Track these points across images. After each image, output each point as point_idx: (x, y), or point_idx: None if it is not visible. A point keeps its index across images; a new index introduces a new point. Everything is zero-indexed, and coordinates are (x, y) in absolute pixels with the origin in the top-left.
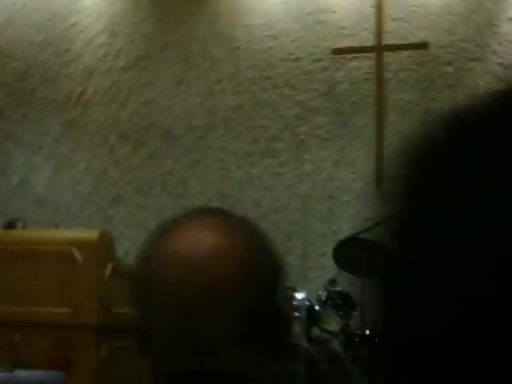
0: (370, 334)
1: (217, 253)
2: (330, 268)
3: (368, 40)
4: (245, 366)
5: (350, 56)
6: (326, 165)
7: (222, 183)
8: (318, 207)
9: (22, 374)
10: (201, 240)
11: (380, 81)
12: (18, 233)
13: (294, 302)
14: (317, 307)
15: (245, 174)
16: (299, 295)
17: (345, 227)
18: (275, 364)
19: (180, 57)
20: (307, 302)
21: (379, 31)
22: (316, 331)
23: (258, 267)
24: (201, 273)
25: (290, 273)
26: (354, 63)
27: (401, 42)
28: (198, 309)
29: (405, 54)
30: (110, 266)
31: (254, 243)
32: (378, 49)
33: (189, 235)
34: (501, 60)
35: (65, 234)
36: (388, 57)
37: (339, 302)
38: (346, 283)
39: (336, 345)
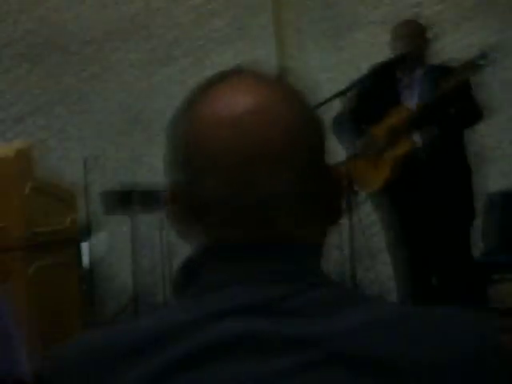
0: None
1: (260, 112)
2: None
3: None
4: (303, 233)
5: None
6: (226, 69)
7: (122, 96)
8: None
9: None
10: (244, 99)
11: None
12: None
13: None
14: None
15: (145, 84)
16: None
17: None
18: (332, 227)
19: None
20: None
21: None
22: None
23: (305, 126)
24: (251, 133)
25: None
26: None
27: None
28: (253, 171)
29: None
30: (29, 184)
31: (296, 102)
32: None
33: (224, 97)
34: None
35: None
36: None
37: None
38: None
39: None
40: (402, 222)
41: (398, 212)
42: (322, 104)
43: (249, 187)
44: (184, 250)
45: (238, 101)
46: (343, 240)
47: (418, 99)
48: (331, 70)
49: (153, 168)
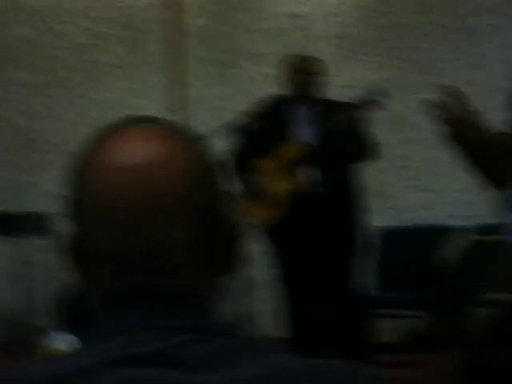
0: None
1: (160, 160)
2: None
3: None
4: (199, 283)
5: None
6: (119, 92)
7: (13, 115)
8: None
9: None
10: (143, 148)
11: (174, 5)
12: None
13: None
14: None
15: (37, 105)
16: None
17: None
18: (225, 277)
19: None
20: None
21: None
22: None
23: (205, 175)
24: (149, 182)
25: None
26: None
27: None
28: (148, 220)
29: None
30: None
31: (197, 151)
32: None
33: (125, 145)
34: None
35: None
36: None
37: None
38: None
39: None
40: (287, 256)
41: (284, 245)
42: (214, 133)
43: (144, 236)
44: (65, 274)
45: (137, 149)
46: None
47: (310, 134)
48: (226, 100)
49: (40, 191)
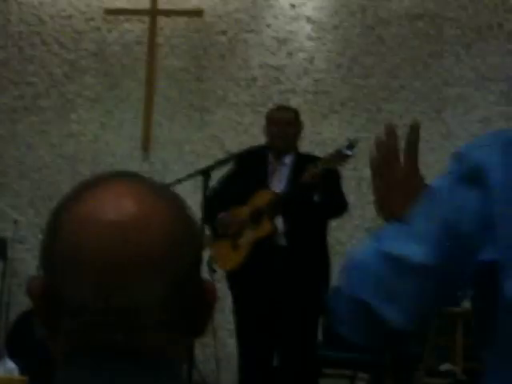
0: None
1: (140, 218)
2: None
3: (142, 3)
4: (166, 343)
5: (123, 18)
6: (92, 126)
7: None
8: (82, 169)
9: None
10: (124, 204)
11: (152, 45)
12: None
13: None
14: None
15: (8, 130)
16: None
17: None
18: (190, 340)
19: None
20: None
21: None
22: None
23: (184, 236)
24: (127, 240)
25: None
26: (126, 25)
27: (176, 7)
28: (123, 278)
29: (179, 20)
30: None
31: (177, 210)
32: (152, 12)
33: (105, 199)
34: (274, 33)
35: None
36: (162, 21)
37: None
38: None
39: None
40: (253, 304)
41: (250, 293)
42: (184, 179)
43: (117, 292)
44: (23, 300)
45: (117, 205)
46: None
47: (281, 185)
48: (195, 143)
49: (3, 215)
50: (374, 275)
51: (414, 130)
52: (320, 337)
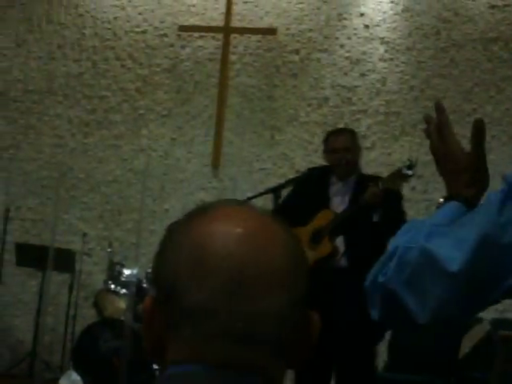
0: None
1: (266, 233)
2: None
3: (216, 20)
4: (273, 363)
5: (196, 34)
6: (163, 142)
7: (55, 150)
8: (151, 184)
9: None
10: (247, 221)
11: (225, 62)
12: None
13: (123, 278)
14: (145, 284)
15: (79, 143)
16: (128, 271)
17: (177, 206)
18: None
19: (22, 18)
20: (136, 279)
21: (228, 12)
22: None
23: (300, 257)
24: (254, 249)
25: (119, 248)
26: (200, 42)
27: (249, 25)
28: (249, 289)
29: (252, 38)
30: None
31: (291, 233)
32: (226, 30)
33: (229, 215)
34: (348, 54)
35: None
36: (235, 39)
37: None
38: None
39: None
40: None
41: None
42: (254, 197)
43: (244, 301)
44: (89, 312)
45: (243, 220)
46: None
47: (343, 206)
48: (265, 161)
49: (72, 227)
50: (411, 268)
51: (478, 123)
52: (385, 359)
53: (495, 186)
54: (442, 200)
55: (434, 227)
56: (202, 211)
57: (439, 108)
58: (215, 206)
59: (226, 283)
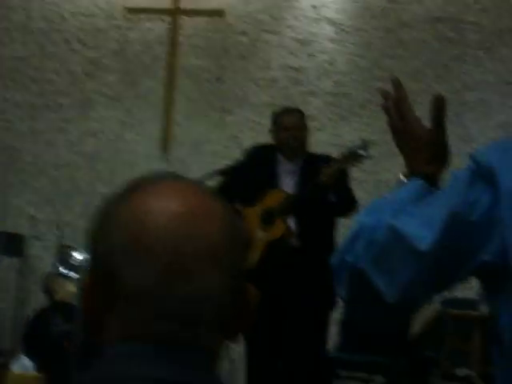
0: None
1: (204, 210)
2: None
3: (164, 2)
4: (213, 338)
5: (144, 17)
6: (112, 125)
7: (2, 134)
8: (100, 167)
9: None
10: (182, 197)
11: (173, 44)
12: None
13: (73, 262)
14: None
15: (27, 127)
16: (79, 255)
17: None
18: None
19: None
20: (86, 263)
21: None
22: None
23: (238, 232)
24: (189, 226)
25: (70, 232)
26: (148, 24)
27: (197, 7)
28: (187, 267)
29: (200, 19)
30: None
31: (229, 209)
32: (174, 12)
33: (166, 193)
34: (296, 35)
35: None
36: (183, 21)
37: None
38: None
39: None
40: (261, 306)
41: (261, 295)
42: (201, 180)
43: (181, 279)
44: (40, 297)
45: (181, 197)
46: None
47: (297, 185)
48: (214, 143)
49: (21, 211)
50: (379, 247)
51: (438, 100)
52: (337, 339)
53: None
54: (401, 177)
55: (399, 205)
56: (139, 186)
57: (396, 84)
58: (153, 180)
59: (161, 261)
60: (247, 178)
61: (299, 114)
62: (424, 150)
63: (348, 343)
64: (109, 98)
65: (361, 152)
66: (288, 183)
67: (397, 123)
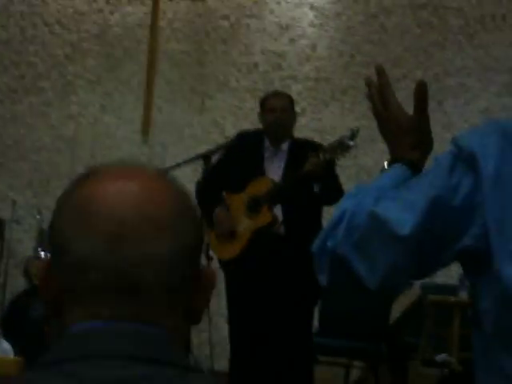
0: None
1: (153, 186)
2: None
3: None
4: (166, 316)
5: (125, 0)
6: (92, 108)
7: None
8: (81, 151)
9: None
10: (131, 178)
11: (154, 28)
12: None
13: None
14: None
15: (7, 110)
16: None
17: None
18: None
19: None
20: None
21: None
22: None
23: (189, 210)
24: (136, 200)
25: (49, 216)
26: (129, 8)
27: None
28: (133, 234)
29: (182, 3)
30: None
31: (182, 190)
32: None
33: (118, 174)
34: (277, 19)
35: None
36: (164, 5)
37: None
38: None
39: None
40: (248, 293)
41: (246, 283)
42: (184, 163)
43: (127, 246)
44: (19, 281)
45: (125, 177)
46: None
47: (283, 172)
48: (195, 128)
49: (1, 195)
50: (360, 232)
51: (421, 87)
52: (316, 324)
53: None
54: (386, 164)
55: (381, 191)
56: (88, 174)
57: (380, 71)
58: (103, 167)
59: (106, 235)
60: (234, 165)
61: (286, 97)
62: (407, 136)
63: (326, 328)
64: (89, 81)
65: (350, 143)
66: (274, 169)
67: (380, 110)
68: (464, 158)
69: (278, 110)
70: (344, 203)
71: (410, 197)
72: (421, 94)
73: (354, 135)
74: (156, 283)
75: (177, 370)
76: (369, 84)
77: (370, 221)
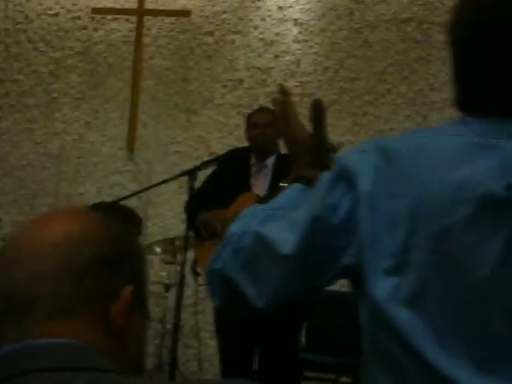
0: None
1: (40, 223)
2: None
3: (130, 2)
4: (84, 330)
5: (110, 17)
6: (77, 125)
7: None
8: (66, 168)
9: None
10: (51, 217)
11: (139, 45)
12: None
13: None
14: None
15: None
16: None
17: (92, 190)
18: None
19: None
20: None
21: None
22: None
23: (82, 236)
24: (37, 233)
25: None
26: (113, 24)
27: (163, 7)
28: (20, 260)
29: (166, 20)
30: None
31: (85, 222)
32: (139, 12)
33: (42, 217)
34: (261, 35)
35: None
36: (149, 21)
37: None
38: None
39: None
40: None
41: None
42: (169, 180)
43: (15, 268)
44: None
45: (45, 218)
46: (166, 314)
47: (268, 187)
48: (180, 144)
49: None
50: (245, 253)
51: (317, 104)
52: (303, 340)
53: None
54: (287, 183)
55: (270, 211)
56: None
57: (282, 90)
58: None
59: (6, 256)
60: (222, 181)
61: (270, 112)
62: (306, 154)
63: (311, 343)
64: (74, 98)
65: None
66: (260, 184)
67: (284, 130)
68: (344, 176)
69: (260, 126)
70: (233, 226)
71: (294, 216)
72: (317, 111)
73: (334, 149)
74: (47, 297)
75: (93, 373)
76: (275, 103)
77: (254, 242)
